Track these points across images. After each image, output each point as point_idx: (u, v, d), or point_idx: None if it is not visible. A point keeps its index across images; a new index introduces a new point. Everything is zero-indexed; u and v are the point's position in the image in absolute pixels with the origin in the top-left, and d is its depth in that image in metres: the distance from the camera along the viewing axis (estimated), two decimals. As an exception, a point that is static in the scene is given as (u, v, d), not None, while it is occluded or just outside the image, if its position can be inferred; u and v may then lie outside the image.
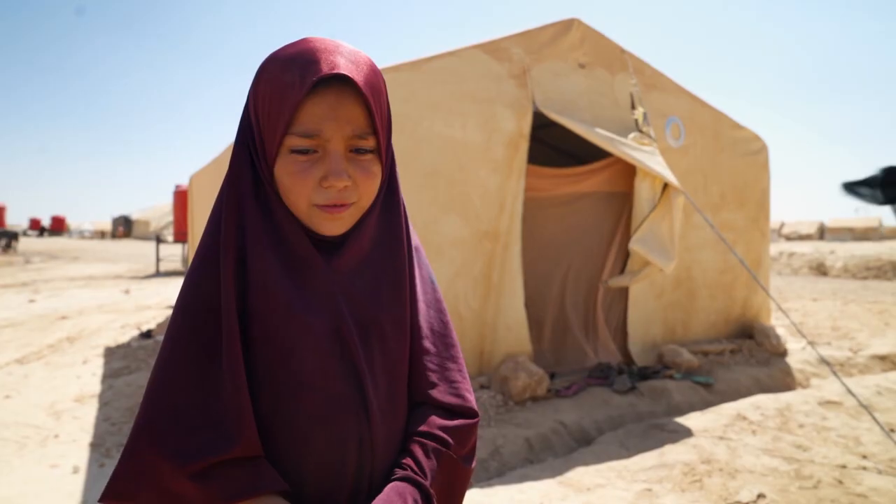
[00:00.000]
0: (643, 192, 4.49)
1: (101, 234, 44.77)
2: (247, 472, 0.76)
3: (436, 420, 0.89)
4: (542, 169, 4.76)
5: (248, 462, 0.77)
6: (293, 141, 0.77)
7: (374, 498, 0.80)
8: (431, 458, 0.86)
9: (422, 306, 0.94)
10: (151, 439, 0.75)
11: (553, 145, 6.33)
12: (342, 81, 0.77)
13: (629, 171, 4.76)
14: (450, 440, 0.88)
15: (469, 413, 0.93)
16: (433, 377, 0.92)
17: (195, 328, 0.79)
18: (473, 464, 0.93)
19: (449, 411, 0.92)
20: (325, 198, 0.79)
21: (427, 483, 0.83)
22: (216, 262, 0.79)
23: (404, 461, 0.85)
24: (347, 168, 0.79)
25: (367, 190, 0.82)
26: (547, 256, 4.92)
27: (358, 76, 0.77)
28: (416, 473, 0.83)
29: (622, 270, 5.01)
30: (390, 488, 0.81)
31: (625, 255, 5.06)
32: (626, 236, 5.01)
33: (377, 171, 0.82)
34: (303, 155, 0.78)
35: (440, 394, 0.92)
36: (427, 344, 0.93)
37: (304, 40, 0.80)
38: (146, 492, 0.75)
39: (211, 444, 0.75)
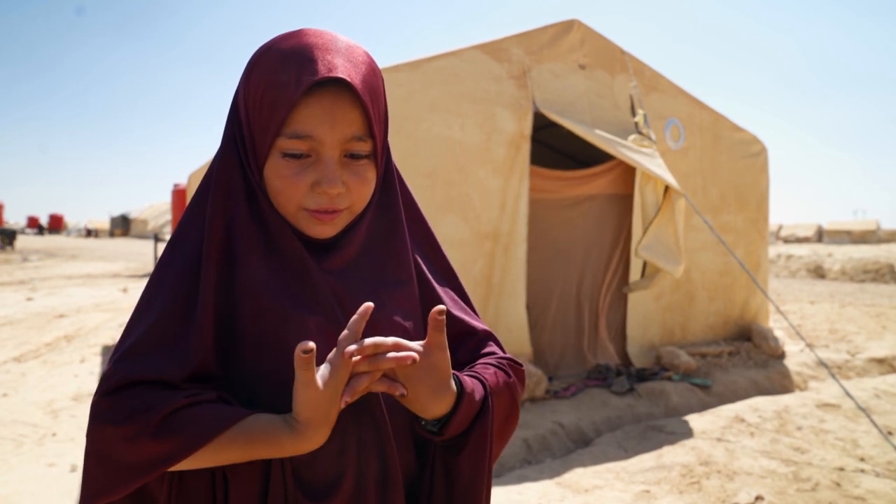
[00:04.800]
0: (648, 196, 4.48)
1: (88, 232, 44.49)
2: (211, 409, 0.72)
3: (497, 350, 0.94)
4: (547, 171, 4.76)
5: (209, 400, 0.73)
6: (285, 143, 0.75)
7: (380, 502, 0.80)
8: (497, 375, 0.88)
9: (444, 297, 0.93)
10: (104, 418, 0.72)
11: (553, 147, 6.34)
12: (339, 83, 0.74)
13: (632, 173, 4.77)
14: (509, 373, 0.91)
15: (517, 361, 0.95)
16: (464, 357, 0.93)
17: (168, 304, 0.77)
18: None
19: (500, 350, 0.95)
20: (317, 203, 0.77)
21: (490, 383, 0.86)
22: (195, 259, 0.78)
23: (474, 368, 0.88)
24: (341, 174, 0.77)
25: (361, 196, 0.81)
26: (548, 258, 4.93)
27: (356, 78, 0.75)
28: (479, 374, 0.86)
29: (626, 273, 5.01)
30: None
31: (628, 257, 5.06)
32: (630, 239, 5.02)
33: (371, 176, 0.81)
34: (295, 159, 0.76)
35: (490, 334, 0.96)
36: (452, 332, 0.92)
37: (299, 33, 0.77)
38: (114, 475, 0.71)
39: (158, 389, 0.72)
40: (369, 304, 0.71)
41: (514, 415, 0.91)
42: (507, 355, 0.95)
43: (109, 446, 0.71)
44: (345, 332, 0.71)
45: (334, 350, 0.71)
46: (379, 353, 0.72)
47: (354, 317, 0.71)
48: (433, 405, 0.77)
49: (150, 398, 0.71)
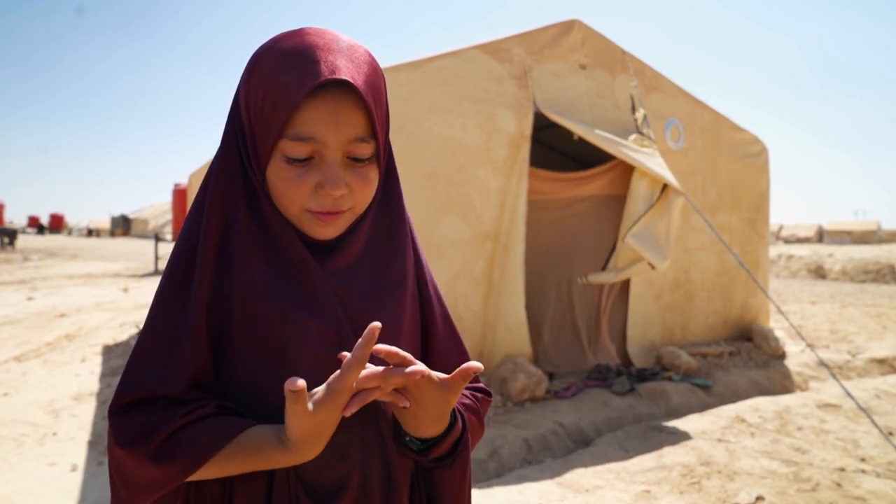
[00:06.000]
0: (640, 191, 4.48)
1: (90, 232, 44.88)
2: (208, 426, 0.73)
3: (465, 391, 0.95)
4: (545, 172, 4.76)
5: (207, 415, 0.75)
6: (288, 146, 0.74)
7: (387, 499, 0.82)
8: (469, 411, 0.92)
9: (435, 302, 0.94)
10: (115, 440, 0.76)
11: (553, 147, 6.34)
12: (342, 84, 0.73)
13: (629, 174, 4.76)
14: (479, 407, 0.94)
15: (488, 392, 0.98)
16: (454, 360, 0.93)
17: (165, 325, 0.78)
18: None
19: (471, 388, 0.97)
20: (320, 205, 0.77)
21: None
22: (192, 262, 0.78)
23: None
24: (344, 175, 0.77)
25: (364, 196, 0.80)
26: (547, 259, 4.92)
27: (359, 79, 0.74)
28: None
29: (605, 266, 4.98)
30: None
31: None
32: (626, 238, 5.01)
33: (374, 176, 0.80)
34: (298, 162, 0.75)
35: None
36: (445, 333, 0.94)
37: (300, 33, 0.76)
38: (129, 491, 0.76)
39: (159, 410, 0.75)
40: (376, 325, 0.68)
41: (476, 440, 0.96)
42: (480, 384, 0.98)
43: (122, 465, 0.76)
44: (351, 357, 0.68)
45: (337, 374, 0.68)
46: (394, 362, 0.73)
47: (361, 341, 0.67)
48: (428, 428, 0.80)
49: (150, 420, 0.74)
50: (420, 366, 0.73)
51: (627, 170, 4.76)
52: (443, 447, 0.82)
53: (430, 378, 0.75)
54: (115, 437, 0.75)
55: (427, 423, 0.79)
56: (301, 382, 0.64)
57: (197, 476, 0.74)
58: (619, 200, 5.02)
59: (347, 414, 0.70)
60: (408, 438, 0.82)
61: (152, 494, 0.74)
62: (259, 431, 0.73)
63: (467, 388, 0.95)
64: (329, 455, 0.77)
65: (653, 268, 4.34)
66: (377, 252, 0.86)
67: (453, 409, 0.84)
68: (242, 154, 0.80)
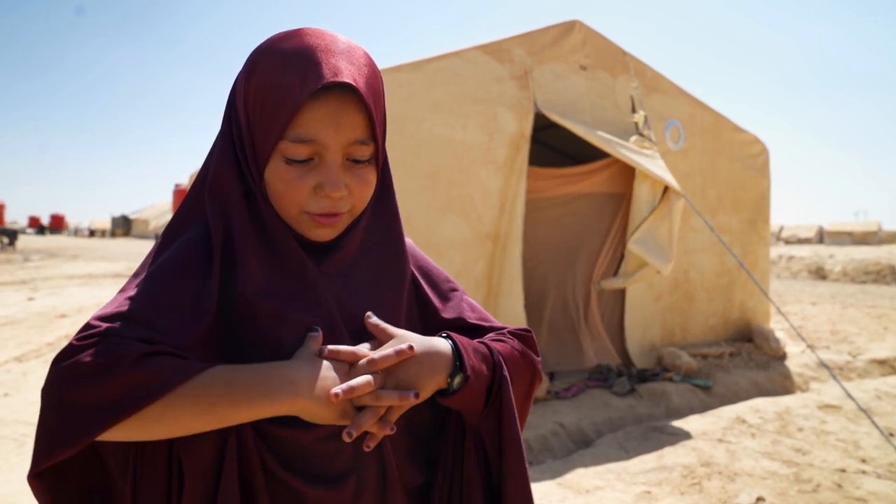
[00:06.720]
0: (642, 195, 4.48)
1: (91, 232, 45.19)
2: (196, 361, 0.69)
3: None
4: (539, 170, 4.76)
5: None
6: (288, 147, 0.74)
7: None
8: (502, 342, 0.90)
9: (436, 299, 0.93)
10: (75, 353, 0.66)
11: (554, 147, 6.34)
12: (343, 87, 0.73)
13: (625, 172, 4.77)
14: (509, 339, 0.91)
15: (524, 328, 0.95)
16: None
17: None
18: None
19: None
20: (319, 207, 0.77)
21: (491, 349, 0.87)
22: (198, 260, 0.77)
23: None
24: (343, 177, 0.77)
25: (362, 198, 0.81)
26: (544, 257, 4.92)
27: (360, 81, 0.74)
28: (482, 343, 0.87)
29: (616, 272, 5.00)
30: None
31: (620, 256, 5.06)
32: (623, 237, 5.00)
33: (372, 178, 0.81)
34: (298, 163, 0.75)
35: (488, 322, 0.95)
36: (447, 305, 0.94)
37: (299, 33, 0.76)
38: (75, 422, 0.64)
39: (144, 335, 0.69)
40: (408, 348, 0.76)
41: (532, 374, 0.91)
42: (511, 328, 0.94)
43: (77, 386, 0.64)
44: (369, 358, 0.75)
45: (351, 357, 0.76)
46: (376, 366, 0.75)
47: (389, 352, 0.76)
48: (435, 364, 0.79)
49: (128, 341, 0.67)
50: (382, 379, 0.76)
51: (622, 167, 4.77)
52: (470, 361, 0.80)
53: (378, 360, 0.76)
54: (81, 351, 0.65)
55: (425, 364, 0.78)
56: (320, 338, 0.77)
57: (173, 415, 0.66)
58: (616, 198, 5.02)
59: (347, 437, 0.72)
60: (449, 387, 0.81)
61: (113, 418, 0.64)
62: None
63: (500, 334, 0.92)
64: (324, 453, 0.77)
65: (658, 272, 4.35)
66: (374, 252, 0.86)
67: (449, 336, 0.83)
68: (239, 154, 0.79)
